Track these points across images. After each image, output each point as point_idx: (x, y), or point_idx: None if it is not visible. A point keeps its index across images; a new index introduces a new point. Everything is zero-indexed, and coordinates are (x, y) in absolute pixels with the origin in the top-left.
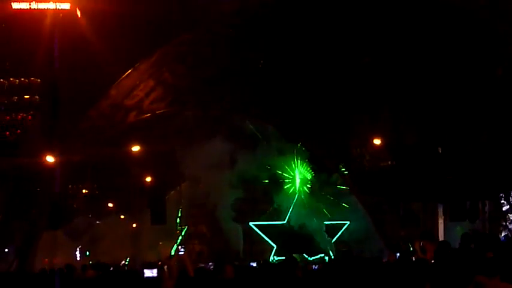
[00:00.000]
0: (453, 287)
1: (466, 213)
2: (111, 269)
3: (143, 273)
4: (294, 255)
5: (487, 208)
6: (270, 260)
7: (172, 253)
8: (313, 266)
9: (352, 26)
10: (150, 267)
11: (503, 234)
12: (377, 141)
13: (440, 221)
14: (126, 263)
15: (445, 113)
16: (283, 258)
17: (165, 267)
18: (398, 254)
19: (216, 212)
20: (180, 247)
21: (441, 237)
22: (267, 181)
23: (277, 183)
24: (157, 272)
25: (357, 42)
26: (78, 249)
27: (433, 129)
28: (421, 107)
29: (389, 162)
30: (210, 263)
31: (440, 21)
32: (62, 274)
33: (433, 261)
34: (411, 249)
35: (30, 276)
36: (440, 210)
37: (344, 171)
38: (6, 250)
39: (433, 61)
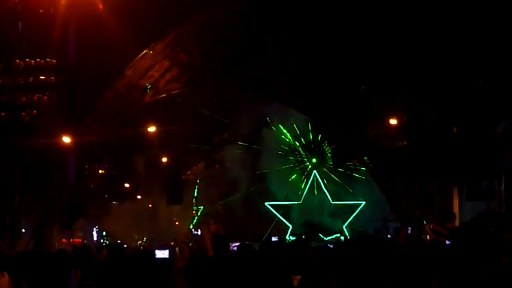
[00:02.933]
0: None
1: (483, 193)
2: (125, 247)
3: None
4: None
5: (503, 188)
6: (286, 240)
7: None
8: (329, 245)
9: (370, 4)
10: (162, 248)
11: None
12: (393, 122)
13: (456, 201)
14: (143, 242)
15: (461, 92)
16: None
17: (177, 248)
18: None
19: (232, 192)
20: (193, 230)
21: (456, 217)
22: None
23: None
24: (169, 253)
25: (374, 21)
26: (95, 229)
27: (448, 109)
28: (437, 87)
29: (405, 142)
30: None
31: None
32: (77, 254)
33: (447, 242)
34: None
35: (46, 255)
36: (456, 190)
37: (360, 151)
38: (23, 230)
39: (449, 41)
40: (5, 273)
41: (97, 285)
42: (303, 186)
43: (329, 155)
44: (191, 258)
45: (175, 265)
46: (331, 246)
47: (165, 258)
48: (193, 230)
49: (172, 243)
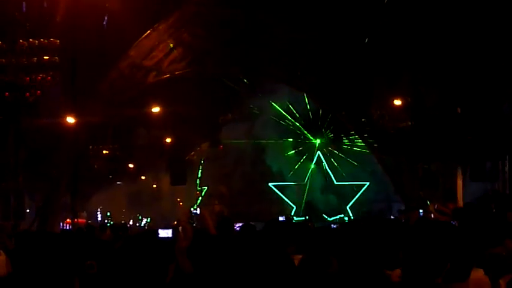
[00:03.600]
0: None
1: (487, 174)
2: (128, 226)
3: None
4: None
5: (507, 168)
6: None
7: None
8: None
9: None
10: (165, 227)
11: None
12: (397, 102)
13: (459, 182)
14: (148, 222)
15: (464, 73)
16: (302, 218)
17: (180, 228)
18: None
19: (236, 172)
20: (192, 209)
21: (460, 198)
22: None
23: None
24: (172, 233)
25: (377, 5)
26: (99, 209)
27: (452, 90)
28: (441, 67)
29: (409, 123)
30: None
31: None
32: (81, 234)
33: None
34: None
35: (50, 235)
36: (460, 171)
37: (364, 132)
38: (28, 210)
39: (452, 22)
40: (1, 251)
41: (99, 264)
42: (304, 165)
43: (331, 135)
44: (194, 237)
45: (178, 244)
46: (334, 226)
47: (168, 238)
48: (192, 209)
49: (175, 223)
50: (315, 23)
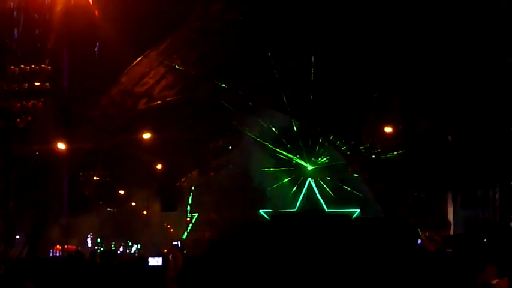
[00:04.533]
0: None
1: (477, 202)
2: (119, 252)
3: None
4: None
5: (497, 196)
6: None
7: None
8: None
9: (361, 14)
10: (155, 255)
11: None
12: (388, 130)
13: (450, 209)
14: (138, 250)
15: (455, 101)
16: None
17: (170, 256)
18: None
19: (227, 199)
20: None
21: (451, 225)
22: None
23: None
24: (162, 261)
25: (366, 31)
26: (89, 236)
27: (443, 118)
28: (431, 95)
29: (400, 151)
30: None
31: (451, 7)
32: (71, 260)
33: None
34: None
35: (40, 262)
36: (450, 198)
37: (354, 159)
38: (17, 237)
39: (443, 49)
40: None
41: None
42: (296, 193)
43: (322, 162)
44: (185, 265)
45: (169, 273)
46: None
47: (158, 266)
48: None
49: (165, 251)
50: (306, 49)
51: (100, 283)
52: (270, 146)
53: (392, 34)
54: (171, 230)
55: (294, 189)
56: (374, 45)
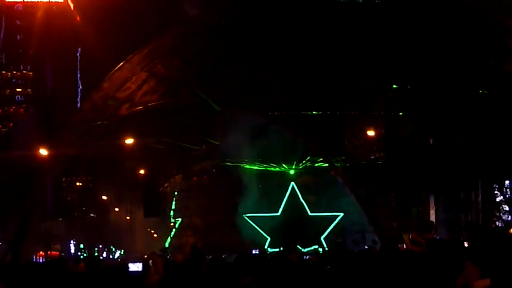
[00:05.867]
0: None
1: (460, 204)
2: (102, 259)
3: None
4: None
5: (480, 199)
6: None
7: (166, 245)
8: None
9: (348, 18)
10: (136, 261)
11: (497, 225)
12: (370, 133)
13: (432, 212)
14: (121, 255)
15: (437, 105)
16: (277, 250)
17: (150, 261)
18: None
19: (210, 204)
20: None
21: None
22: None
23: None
24: (142, 267)
25: (351, 34)
26: (72, 241)
27: (424, 121)
28: (413, 99)
29: (382, 154)
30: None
31: (437, 12)
32: (53, 266)
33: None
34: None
35: (22, 268)
36: (432, 201)
37: (337, 162)
38: None
39: (425, 53)
40: None
41: None
42: (279, 197)
43: (304, 166)
44: (166, 270)
45: (148, 279)
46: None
47: (138, 272)
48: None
49: (145, 257)
50: (289, 54)
51: None
52: (253, 150)
53: (377, 38)
54: (155, 235)
55: (277, 192)
56: (358, 48)
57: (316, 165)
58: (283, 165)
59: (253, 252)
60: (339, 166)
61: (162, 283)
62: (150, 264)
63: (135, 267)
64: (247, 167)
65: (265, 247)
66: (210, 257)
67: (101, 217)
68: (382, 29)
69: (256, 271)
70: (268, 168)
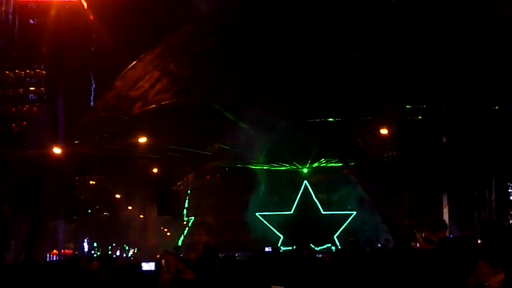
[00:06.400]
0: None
1: (474, 203)
2: (115, 256)
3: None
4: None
5: (493, 197)
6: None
7: (180, 244)
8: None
9: (357, 15)
10: (149, 260)
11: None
12: (383, 132)
13: (445, 210)
14: (134, 254)
15: (449, 103)
16: (290, 248)
17: (163, 261)
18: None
19: (223, 202)
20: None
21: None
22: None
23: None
24: (155, 266)
25: (363, 32)
26: (86, 240)
27: (437, 120)
28: (426, 97)
29: (395, 152)
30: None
31: (445, 9)
32: (67, 265)
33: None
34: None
35: (37, 267)
36: (445, 200)
37: (350, 161)
38: (13, 242)
39: (437, 51)
40: None
41: None
42: (292, 196)
43: (318, 164)
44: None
45: (161, 278)
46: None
47: (151, 271)
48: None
49: (157, 256)
50: (301, 52)
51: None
52: (266, 148)
53: (386, 36)
54: (168, 234)
55: (290, 190)
56: (369, 47)
57: (329, 164)
58: (296, 164)
59: (266, 249)
60: (352, 165)
61: (174, 282)
62: (163, 263)
63: (148, 266)
64: (259, 167)
65: (279, 245)
66: (223, 255)
67: (114, 216)
68: (392, 27)
69: (271, 268)
70: (279, 168)
